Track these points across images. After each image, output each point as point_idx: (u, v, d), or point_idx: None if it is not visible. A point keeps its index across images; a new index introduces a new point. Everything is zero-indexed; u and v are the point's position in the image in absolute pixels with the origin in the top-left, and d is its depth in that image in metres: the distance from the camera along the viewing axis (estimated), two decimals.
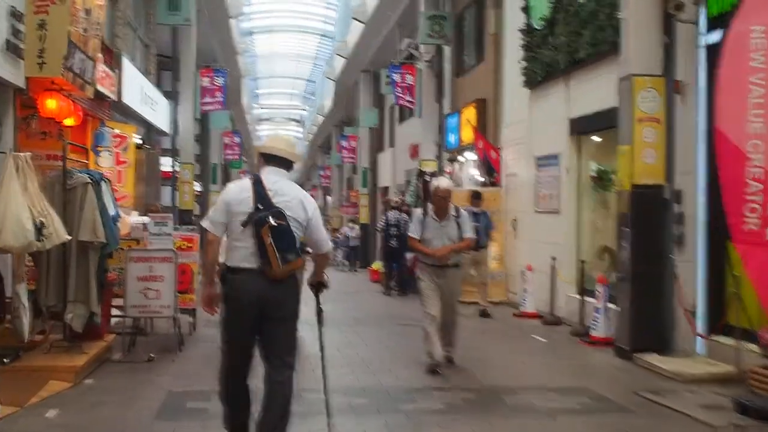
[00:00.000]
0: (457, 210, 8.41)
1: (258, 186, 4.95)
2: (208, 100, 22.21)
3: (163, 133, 20.08)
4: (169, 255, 9.12)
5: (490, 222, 13.81)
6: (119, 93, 14.21)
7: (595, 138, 12.48)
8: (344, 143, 34.30)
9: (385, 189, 29.90)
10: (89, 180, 7.99)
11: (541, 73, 13.48)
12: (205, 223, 5.08)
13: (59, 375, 7.35)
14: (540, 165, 13.84)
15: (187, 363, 8.76)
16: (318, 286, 5.45)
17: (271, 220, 4.80)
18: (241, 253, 4.89)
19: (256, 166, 5.30)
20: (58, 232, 7.29)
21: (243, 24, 33.57)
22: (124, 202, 13.27)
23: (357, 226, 29.89)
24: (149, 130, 18.80)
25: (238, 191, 4.99)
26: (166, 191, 21.52)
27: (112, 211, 8.30)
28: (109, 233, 8.04)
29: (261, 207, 4.86)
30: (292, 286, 5.10)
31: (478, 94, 17.56)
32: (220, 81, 22.24)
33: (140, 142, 17.52)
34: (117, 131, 13.63)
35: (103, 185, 8.25)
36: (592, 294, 10.92)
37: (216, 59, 26.42)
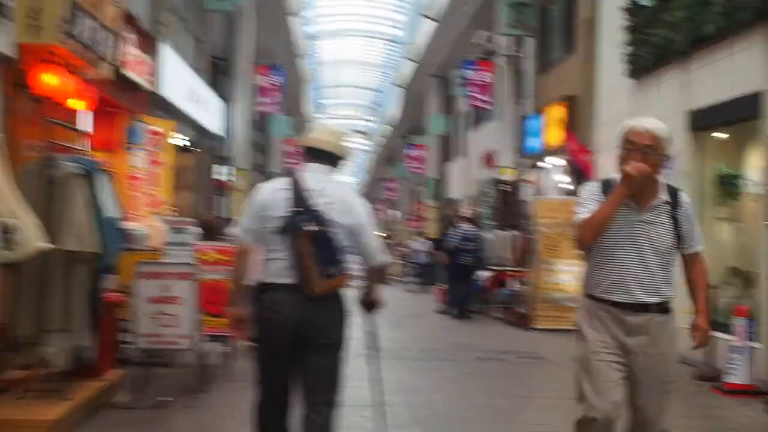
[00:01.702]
0: (674, 193, 4.22)
1: (296, 186, 4.29)
2: (264, 100, 20.36)
3: (215, 137, 18.36)
4: (188, 270, 7.13)
5: None
6: (156, 84, 12.41)
7: (720, 134, 10.23)
8: (411, 152, 32.41)
9: (454, 201, 27.83)
10: (79, 172, 6.06)
11: (651, 58, 11.27)
12: (234, 230, 4.53)
13: None
14: None
15: (210, 409, 6.78)
16: (370, 304, 4.64)
17: (310, 226, 4.14)
18: (274, 266, 4.24)
19: (301, 161, 4.65)
20: (32, 238, 5.37)
21: (306, 28, 31.95)
22: (159, 209, 11.47)
23: (427, 241, 26.03)
24: (201, 134, 17.07)
25: (272, 192, 4.35)
26: (222, 202, 19.83)
27: (111, 213, 6.36)
28: (104, 241, 6.10)
29: (299, 210, 4.19)
30: (337, 307, 4.33)
31: (567, 91, 15.38)
32: (278, 80, 20.38)
33: (186, 143, 15.84)
34: (153, 127, 11.83)
35: (100, 179, 6.32)
36: (719, 327, 8.65)
37: (276, 61, 24.71)
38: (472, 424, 6.58)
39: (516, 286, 14.64)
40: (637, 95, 12.02)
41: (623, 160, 4.10)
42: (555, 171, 16.06)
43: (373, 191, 64.15)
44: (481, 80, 18.93)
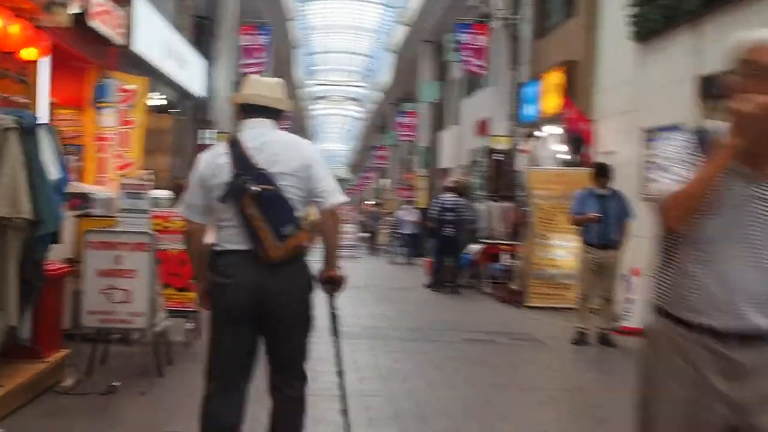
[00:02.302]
0: None
1: (235, 147, 3.98)
2: (248, 61, 19.37)
3: (197, 99, 17.46)
4: (143, 240, 6.33)
5: (626, 207, 9.27)
6: (128, 38, 11.53)
7: None
8: (402, 120, 31.49)
9: (445, 170, 27.02)
10: (13, 126, 5.24)
11: (659, 20, 10.47)
12: (180, 210, 4.15)
13: None
14: (651, 139, 10.83)
15: (165, 395, 6.04)
16: (330, 281, 4.13)
17: (253, 186, 3.82)
18: (226, 233, 3.94)
19: (234, 122, 4.41)
20: None
21: None
22: (127, 171, 10.66)
23: (415, 210, 24.66)
24: (181, 95, 16.20)
25: (212, 159, 4.02)
26: None
27: (54, 174, 5.56)
28: (44, 207, 5.32)
29: (240, 172, 3.89)
30: (299, 272, 3.98)
31: (566, 56, 14.53)
32: (263, 40, 19.40)
33: (163, 103, 14.99)
34: (124, 84, 10.98)
35: (41, 135, 5.51)
36: None
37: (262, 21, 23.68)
38: (459, 421, 5.82)
39: (508, 260, 13.92)
40: (644, 60, 11.24)
41: (740, 93, 2.42)
42: (552, 140, 15.27)
43: (363, 159, 63.34)
44: (475, 44, 18.00)
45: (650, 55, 11.00)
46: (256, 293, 3.85)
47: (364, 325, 9.99)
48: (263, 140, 3.98)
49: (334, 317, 4.26)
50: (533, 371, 8.15)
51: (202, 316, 7.24)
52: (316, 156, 4.05)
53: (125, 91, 10.94)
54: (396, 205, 31.68)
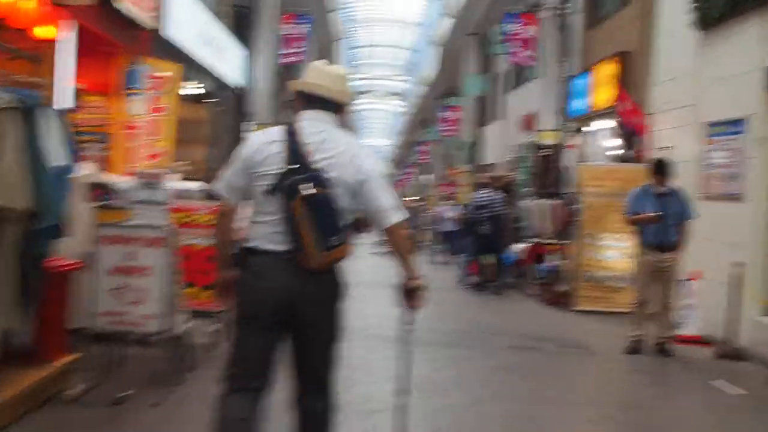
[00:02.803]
0: None
1: (292, 138, 3.67)
2: (289, 50, 18.83)
3: (236, 89, 16.99)
4: (159, 235, 5.79)
5: (685, 206, 8.54)
6: (161, 22, 11.06)
7: None
8: (445, 114, 30.80)
9: (489, 166, 26.28)
10: (14, 105, 4.72)
11: (724, 6, 9.71)
12: (215, 186, 3.83)
13: None
14: (713, 134, 10.10)
15: (179, 409, 5.50)
16: (411, 292, 3.84)
17: (308, 188, 3.52)
18: (263, 230, 3.64)
19: (294, 110, 3.92)
20: None
21: None
22: (158, 161, 10.21)
23: (455, 206, 22.90)
24: (219, 85, 15.73)
25: (263, 144, 3.70)
26: None
27: (58, 161, 5.03)
28: (45, 197, 4.80)
29: (294, 167, 3.58)
30: (334, 282, 3.76)
31: (620, 47, 13.78)
32: (303, 29, 18.84)
33: (200, 93, 14.54)
34: (156, 71, 10.51)
35: (45, 117, 4.98)
36: None
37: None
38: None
39: (556, 261, 13.22)
40: (705, 49, 10.48)
41: None
42: (602, 135, 14.52)
43: (406, 155, 62.77)
44: (524, 35, 17.27)
45: (713, 45, 10.23)
46: (288, 299, 3.63)
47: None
48: (324, 137, 3.73)
49: (408, 331, 4.02)
50: (583, 384, 7.49)
51: (230, 316, 6.70)
52: (374, 170, 3.75)
53: (157, 77, 10.48)
54: (437, 201, 30.98)
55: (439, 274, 16.91)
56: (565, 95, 16.85)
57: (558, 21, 17.43)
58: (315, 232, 3.55)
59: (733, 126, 9.56)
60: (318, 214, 3.56)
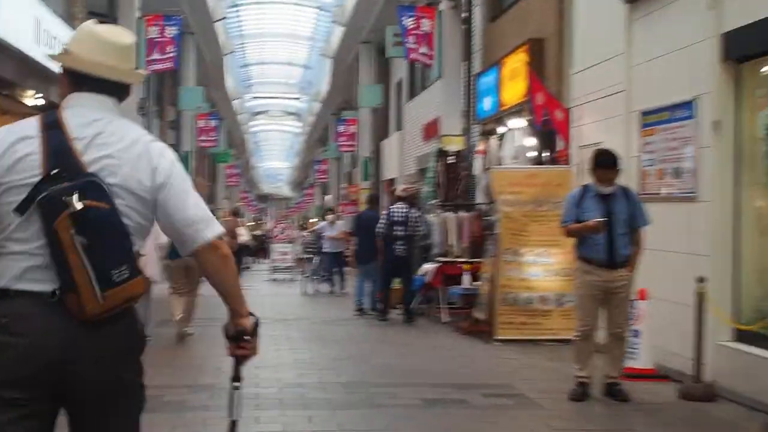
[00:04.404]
0: None
1: (53, 132, 2.72)
2: (156, 56, 16.65)
3: None
4: None
5: (639, 211, 6.87)
6: None
7: None
8: (341, 128, 29.26)
9: (391, 180, 24.73)
10: None
11: None
12: None
13: None
14: (651, 123, 8.51)
15: None
16: (239, 336, 2.83)
17: (76, 201, 2.59)
18: (18, 265, 2.68)
19: (59, 93, 2.94)
20: None
21: None
22: None
23: (339, 221, 20.33)
24: None
25: (12, 142, 2.71)
26: None
27: None
28: None
29: (57, 174, 2.66)
30: (126, 330, 2.76)
31: (530, 34, 12.22)
32: (172, 31, 16.71)
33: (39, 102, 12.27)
34: None
35: None
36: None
37: (187, 22, 20.94)
38: None
39: (470, 282, 11.47)
40: (635, 25, 8.92)
41: None
42: (518, 135, 12.88)
43: (305, 175, 61.31)
44: (420, 30, 15.70)
45: (646, 18, 8.66)
46: (57, 362, 2.63)
47: (286, 381, 7.39)
48: (99, 129, 2.79)
49: (233, 394, 2.86)
50: None
51: None
52: (174, 171, 2.83)
53: None
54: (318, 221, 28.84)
55: (330, 304, 14.97)
56: (471, 96, 15.26)
57: (459, 13, 15.84)
58: (91, 263, 2.64)
59: (678, 110, 7.96)
60: (93, 237, 2.64)
